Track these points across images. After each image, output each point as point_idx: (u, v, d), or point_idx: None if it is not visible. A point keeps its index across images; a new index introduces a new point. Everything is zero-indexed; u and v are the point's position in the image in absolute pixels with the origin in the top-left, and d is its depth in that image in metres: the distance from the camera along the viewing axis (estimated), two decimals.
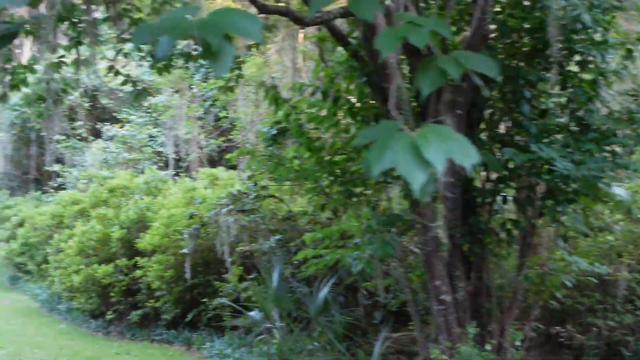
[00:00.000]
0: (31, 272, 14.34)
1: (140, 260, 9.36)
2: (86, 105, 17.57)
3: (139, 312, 9.62)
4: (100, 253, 10.25)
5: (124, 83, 7.37)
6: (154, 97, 17.94)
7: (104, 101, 17.84)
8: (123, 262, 9.74)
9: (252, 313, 7.24)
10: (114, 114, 17.80)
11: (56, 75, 7.03)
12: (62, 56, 6.82)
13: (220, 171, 11.23)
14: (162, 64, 7.00)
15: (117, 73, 7.23)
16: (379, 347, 6.03)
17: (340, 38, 5.84)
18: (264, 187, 7.87)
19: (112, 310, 10.04)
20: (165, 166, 15.85)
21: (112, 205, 10.88)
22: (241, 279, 8.04)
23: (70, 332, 10.53)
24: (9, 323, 11.18)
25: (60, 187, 15.71)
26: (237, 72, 7.46)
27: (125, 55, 7.20)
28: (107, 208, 10.75)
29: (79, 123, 17.16)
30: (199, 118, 16.25)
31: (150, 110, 17.89)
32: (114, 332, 10.16)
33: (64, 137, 16.69)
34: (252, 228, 7.85)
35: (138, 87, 7.39)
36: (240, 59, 7.73)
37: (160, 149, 16.77)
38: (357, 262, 5.39)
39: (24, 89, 7.08)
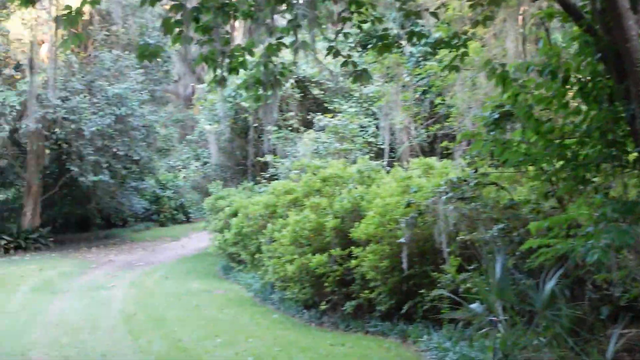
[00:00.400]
0: (244, 261, 16.41)
1: (355, 250, 10.58)
2: (297, 96, 19.55)
3: (353, 302, 10.87)
4: (314, 242, 11.67)
5: (345, 64, 8.30)
6: (365, 86, 19.41)
7: (315, 92, 19.69)
8: (337, 251, 11.05)
9: (473, 305, 7.99)
10: (325, 105, 19.53)
11: (274, 59, 7.96)
12: (280, 38, 7.76)
13: (432, 161, 12.10)
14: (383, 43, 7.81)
15: (337, 54, 8.12)
16: (613, 345, 6.48)
17: (572, 12, 6.36)
18: (484, 175, 8.60)
19: (325, 300, 11.42)
20: (376, 156, 17.15)
21: (326, 195, 12.28)
22: (460, 269, 8.85)
23: (283, 322, 12.14)
24: (223, 312, 13.13)
25: (272, 178, 17.74)
26: (462, 49, 8.13)
27: (345, 35, 8.09)
28: (320, 197, 12.17)
29: (291, 114, 19.17)
30: (413, 105, 17.33)
31: (361, 101, 19.41)
32: (327, 323, 11.55)
33: (276, 128, 18.80)
34: (472, 217, 8.63)
35: (358, 69, 8.31)
36: (466, 36, 8.38)
37: (371, 139, 18.16)
38: (592, 252, 5.63)
39: (241, 73, 8.27)
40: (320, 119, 18.05)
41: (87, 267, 21.23)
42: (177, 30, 7.02)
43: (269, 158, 17.86)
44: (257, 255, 13.93)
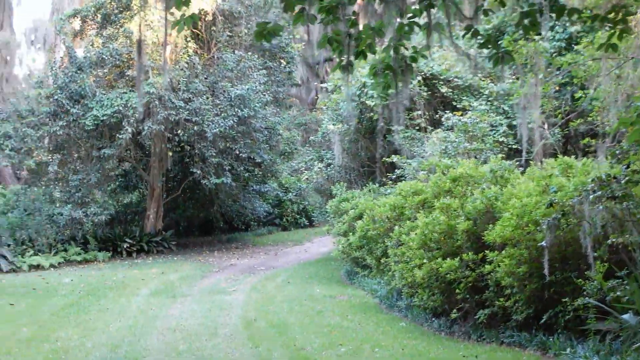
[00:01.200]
0: (369, 266, 16.39)
1: (489, 255, 10.29)
2: (425, 94, 19.37)
3: (487, 311, 10.59)
4: (444, 246, 11.46)
5: (484, 45, 7.88)
6: (495, 84, 18.96)
7: (443, 90, 19.43)
8: (469, 256, 10.79)
9: (625, 316, 7.56)
10: (454, 103, 19.22)
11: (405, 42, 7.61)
12: (413, 18, 7.42)
13: (571, 159, 11.58)
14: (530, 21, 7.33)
15: (475, 33, 7.65)
16: None
17: None
18: (637, 172, 8.12)
19: (456, 308, 11.18)
20: (507, 157, 16.66)
21: (457, 195, 12.04)
22: (607, 276, 8.40)
23: (411, 330, 11.98)
24: (347, 319, 13.12)
25: (399, 179, 17.64)
26: (621, 25, 7.62)
27: (485, 13, 7.60)
28: (451, 198, 11.94)
29: (418, 113, 19.02)
30: (552, 99, 16.76)
31: (491, 99, 18.98)
32: (458, 332, 11.31)
33: (402, 128, 18.70)
34: (623, 217, 8.17)
35: (500, 50, 7.90)
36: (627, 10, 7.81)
37: (502, 139, 17.69)
38: None
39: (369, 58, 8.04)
40: (449, 117, 17.77)
41: (209, 271, 21.86)
42: (298, 7, 6.81)
43: (395, 158, 17.75)
44: (383, 260, 13.86)
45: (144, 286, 18.17)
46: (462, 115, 17.63)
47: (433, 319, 12.27)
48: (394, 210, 13.77)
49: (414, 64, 7.74)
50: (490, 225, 10.66)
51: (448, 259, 11.21)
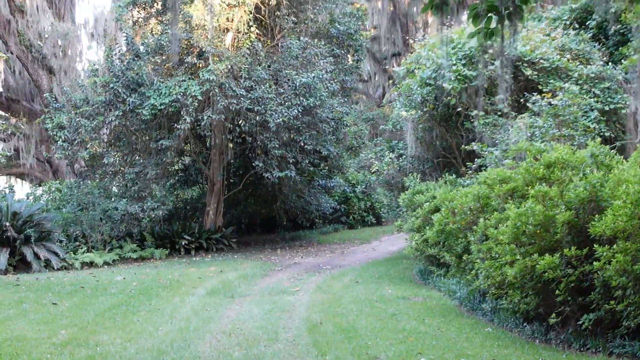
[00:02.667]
0: (447, 264, 15.17)
1: (599, 250, 8.97)
2: (507, 77, 17.98)
3: (592, 315, 9.27)
4: (540, 240, 10.18)
5: None
6: (585, 65, 17.52)
7: (527, 72, 18.01)
8: (571, 251, 9.47)
9: None
10: (539, 87, 17.82)
11: None
12: None
13: None
14: None
15: None
16: None
17: None
18: None
19: (555, 312, 9.87)
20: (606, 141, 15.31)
21: (554, 182, 10.73)
22: None
23: (500, 337, 10.73)
24: (424, 323, 11.94)
25: (479, 169, 16.35)
26: None
27: None
28: (547, 185, 10.62)
29: (499, 97, 17.63)
30: None
31: (580, 82, 17.50)
32: (555, 340, 10.04)
33: (482, 113, 17.39)
34: None
35: None
36: None
37: (593, 125, 16.24)
38: None
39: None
40: (536, 100, 16.34)
41: (271, 270, 21.03)
42: None
43: (475, 147, 16.41)
44: (465, 257, 12.57)
45: (200, 285, 17.34)
46: (552, 96, 16.21)
47: (525, 324, 10.98)
48: (478, 200, 12.48)
49: (524, 7, 6.51)
50: (597, 216, 9.34)
51: (545, 254, 9.92)
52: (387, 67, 51.44)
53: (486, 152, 16.07)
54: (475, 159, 16.79)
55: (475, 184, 13.32)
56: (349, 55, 28.69)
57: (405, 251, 17.84)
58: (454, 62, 17.92)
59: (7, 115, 38.46)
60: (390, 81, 47.61)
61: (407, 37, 49.09)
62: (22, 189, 39.02)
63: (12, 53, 34.02)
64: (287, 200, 29.10)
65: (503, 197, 11.85)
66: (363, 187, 36.35)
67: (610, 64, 18.18)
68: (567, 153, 11.43)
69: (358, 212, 36.37)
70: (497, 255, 10.80)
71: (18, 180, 41.55)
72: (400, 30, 50.70)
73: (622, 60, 18.18)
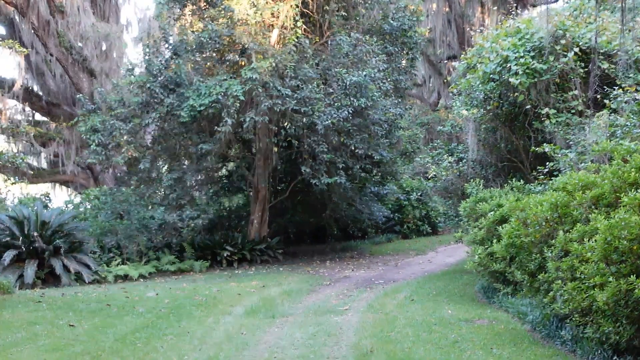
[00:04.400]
0: (515, 281, 13.59)
1: None
2: (581, 71, 16.25)
3: None
4: (636, 258, 8.53)
5: None
6: None
7: (604, 65, 16.24)
8: None
9: None
10: (617, 82, 16.06)
11: None
12: None
13: None
14: None
15: None
16: None
17: None
18: None
19: None
20: None
21: None
22: None
23: None
24: (492, 354, 10.46)
25: (551, 174, 14.69)
26: None
27: None
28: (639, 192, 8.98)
29: (573, 93, 15.92)
30: None
31: None
32: None
33: (554, 111, 15.68)
34: None
35: None
36: None
37: None
38: None
39: None
40: (617, 95, 14.58)
41: (318, 284, 19.69)
42: None
43: (547, 149, 14.68)
44: (540, 276, 10.92)
45: (239, 303, 16.05)
46: (636, 90, 14.45)
47: (615, 356, 9.34)
48: (556, 210, 10.83)
49: None
50: None
51: (632, 276, 8.32)
52: (442, 70, 49.89)
53: (559, 155, 14.35)
54: (547, 163, 15.06)
55: (550, 191, 11.67)
56: (403, 53, 27.09)
57: (466, 265, 16.19)
58: (522, 54, 16.22)
59: (47, 119, 37.86)
60: (447, 80, 46.07)
61: (464, 40, 47.47)
62: (64, 197, 38.45)
63: (51, 55, 33.43)
64: (337, 208, 27.71)
65: (586, 206, 10.22)
66: (418, 194, 34.75)
67: None
68: None
69: (413, 221, 34.81)
70: (582, 276, 9.18)
71: (63, 187, 41.10)
72: (456, 32, 49.01)
73: None
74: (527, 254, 11.78)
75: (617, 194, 9.83)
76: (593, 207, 10.19)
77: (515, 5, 32.61)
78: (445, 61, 49.89)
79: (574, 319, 9.79)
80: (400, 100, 26.66)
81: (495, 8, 39.69)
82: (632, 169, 9.68)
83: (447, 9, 46.10)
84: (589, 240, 9.25)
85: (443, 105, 48.75)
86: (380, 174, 28.98)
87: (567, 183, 10.66)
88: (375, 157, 25.33)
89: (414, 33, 27.23)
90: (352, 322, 13.52)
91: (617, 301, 8.58)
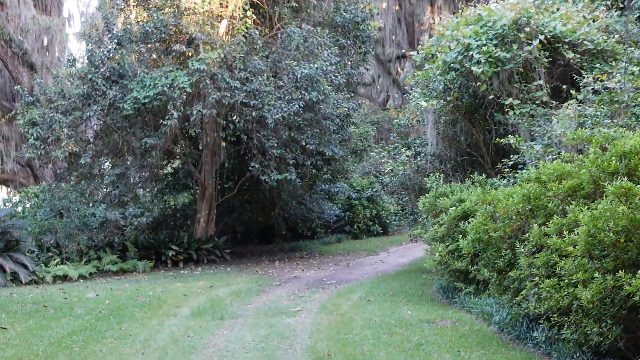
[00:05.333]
0: (477, 280, 12.84)
1: None
2: (545, 60, 15.55)
3: None
4: (622, 252, 7.78)
5: None
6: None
7: (569, 55, 15.59)
8: None
9: None
10: (582, 72, 15.46)
11: None
12: None
13: None
14: None
15: None
16: None
17: None
18: None
19: None
20: None
21: (636, 178, 8.34)
22: None
23: None
24: (460, 357, 9.69)
25: (515, 167, 13.96)
26: None
27: None
28: (625, 181, 8.20)
29: (538, 83, 15.20)
30: None
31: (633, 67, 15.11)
32: None
33: (518, 102, 14.93)
34: None
35: None
36: None
37: None
38: None
39: None
40: (587, 83, 13.93)
41: (268, 285, 18.79)
42: None
43: (512, 140, 13.90)
44: (513, 273, 10.07)
45: (185, 304, 15.02)
46: (606, 79, 13.79)
47: (595, 359, 8.57)
48: (528, 202, 10.03)
49: None
50: None
51: (621, 271, 7.55)
52: (391, 70, 49.40)
53: (525, 147, 13.59)
54: (511, 156, 14.29)
55: (523, 183, 10.88)
56: (355, 47, 26.21)
57: (425, 264, 15.33)
58: (484, 42, 15.42)
59: None
60: (396, 80, 45.60)
61: (414, 39, 47.18)
62: (3, 196, 36.74)
63: None
64: (286, 206, 26.75)
65: (562, 197, 9.44)
66: (369, 193, 33.98)
67: None
68: None
69: (363, 221, 34.00)
70: (562, 272, 8.38)
71: (3, 187, 39.45)
72: (405, 31, 48.45)
73: None
74: (495, 250, 10.96)
75: (597, 184, 9.08)
76: (569, 198, 9.42)
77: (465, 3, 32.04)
78: (395, 61, 49.48)
79: (552, 319, 8.98)
80: (352, 94, 25.80)
81: (446, 8, 39.19)
82: (613, 157, 8.93)
83: (397, 8, 45.50)
84: (568, 234, 8.45)
85: (392, 105, 48.24)
86: (330, 171, 28.13)
87: (541, 173, 9.86)
88: (326, 154, 24.45)
89: (366, 26, 26.39)
90: (306, 324, 12.66)
91: (603, 299, 7.80)
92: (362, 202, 33.71)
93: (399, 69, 51.75)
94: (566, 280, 8.31)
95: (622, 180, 8.13)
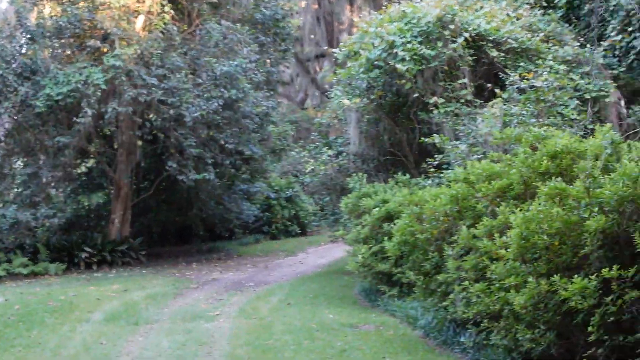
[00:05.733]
0: (402, 283, 12.45)
1: None
2: (469, 58, 15.26)
3: None
4: (556, 256, 7.42)
5: None
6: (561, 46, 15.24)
7: (493, 54, 15.36)
8: (611, 272, 6.70)
9: None
10: (507, 70, 15.26)
11: None
12: None
13: None
14: None
15: None
16: None
17: None
18: None
19: (581, 355, 7.11)
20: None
21: (570, 177, 8.02)
22: None
23: None
24: None
25: (441, 167, 13.60)
26: None
27: None
28: (558, 181, 7.85)
29: (462, 81, 14.90)
30: None
31: (557, 66, 15.02)
32: None
33: (442, 100, 14.59)
34: None
35: None
36: None
37: (573, 117, 13.71)
38: None
39: None
40: (514, 81, 13.69)
41: (185, 287, 18.05)
42: None
43: (437, 139, 13.52)
44: (441, 277, 9.65)
45: (98, 308, 14.16)
46: (532, 77, 13.54)
47: None
48: (456, 203, 9.63)
49: None
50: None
51: (556, 275, 7.17)
52: (309, 69, 48.96)
53: (450, 147, 13.23)
54: (435, 155, 13.91)
55: (451, 183, 10.48)
56: (275, 44, 25.63)
57: (348, 266, 14.82)
58: (409, 39, 15.01)
59: None
60: (315, 79, 45.28)
61: (333, 38, 46.92)
62: None
63: None
64: (204, 207, 25.90)
65: (492, 198, 9.06)
66: (289, 193, 33.39)
67: (589, 45, 15.69)
68: (575, 140, 8.76)
69: (281, 221, 33.33)
70: (492, 276, 7.98)
71: None
72: (325, 30, 48.04)
73: (602, 42, 15.79)
74: (421, 252, 10.52)
75: (527, 185, 8.74)
76: (498, 199, 9.05)
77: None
78: (314, 60, 49.08)
79: (481, 324, 8.59)
80: (272, 93, 25.19)
81: (366, 7, 38.95)
82: (544, 157, 8.59)
83: (317, 6, 45.05)
84: (500, 236, 8.06)
85: (310, 104, 47.80)
86: (249, 171, 27.43)
87: (469, 173, 9.46)
88: (245, 153, 23.78)
89: (286, 24, 25.84)
90: (225, 329, 12.05)
91: (536, 304, 7.41)
92: (280, 203, 33.06)
93: (317, 69, 51.42)
94: (497, 285, 7.90)
95: (555, 181, 7.78)
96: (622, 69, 15.49)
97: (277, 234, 33.02)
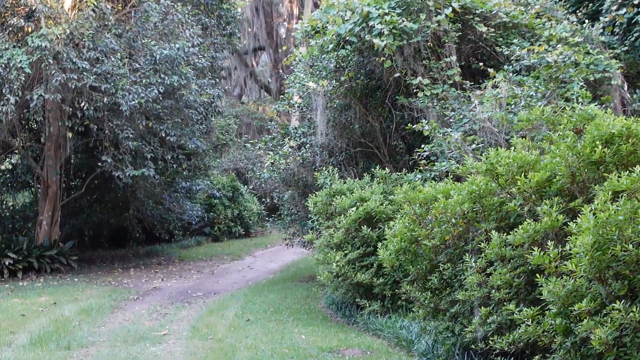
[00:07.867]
0: (389, 297, 10.44)
1: None
2: (455, 34, 13.26)
3: None
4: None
5: None
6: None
7: (481, 29, 13.42)
8: None
9: None
10: (497, 48, 13.36)
11: None
12: None
13: None
14: None
15: None
16: None
17: None
18: None
19: None
20: None
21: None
22: None
23: None
24: None
25: (428, 159, 11.60)
26: None
27: None
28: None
29: (450, 60, 12.89)
30: None
31: (552, 43, 13.23)
32: None
33: (428, 81, 12.53)
34: None
35: None
36: None
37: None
38: None
39: None
40: (520, 56, 11.76)
41: (124, 299, 15.85)
42: None
43: (427, 126, 11.43)
44: (459, 295, 7.58)
45: (23, 328, 11.84)
46: (543, 50, 11.65)
47: None
48: (479, 201, 7.60)
49: None
50: None
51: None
52: (247, 62, 46.90)
53: (440, 135, 11.19)
54: (423, 145, 11.86)
55: (444, 180, 8.45)
56: (219, 28, 23.39)
57: (319, 276, 12.61)
58: (386, 10, 12.88)
59: None
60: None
61: (272, 30, 45.24)
62: None
63: None
64: (142, 207, 23.54)
65: (528, 196, 7.07)
66: (230, 192, 31.19)
67: (587, 21, 13.91)
68: (634, 121, 6.86)
69: (224, 222, 31.07)
70: (550, 298, 5.99)
71: None
72: (264, 22, 46.08)
73: (599, 18, 14.04)
74: (426, 262, 8.46)
75: (574, 178, 6.80)
76: (536, 195, 7.07)
77: None
78: (252, 53, 47.22)
79: (522, 357, 6.59)
80: (216, 81, 22.91)
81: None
82: (597, 142, 6.65)
83: None
84: (555, 245, 6.07)
85: (248, 99, 45.93)
86: (191, 167, 25.10)
87: (494, 164, 7.42)
88: (188, 147, 21.47)
89: (231, 5, 23.59)
90: (177, 355, 9.94)
91: (619, 338, 5.46)
92: (223, 202, 30.81)
93: (254, 63, 49.54)
94: (554, 310, 5.92)
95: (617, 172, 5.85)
96: (625, 48, 13.79)
97: (219, 236, 30.86)
